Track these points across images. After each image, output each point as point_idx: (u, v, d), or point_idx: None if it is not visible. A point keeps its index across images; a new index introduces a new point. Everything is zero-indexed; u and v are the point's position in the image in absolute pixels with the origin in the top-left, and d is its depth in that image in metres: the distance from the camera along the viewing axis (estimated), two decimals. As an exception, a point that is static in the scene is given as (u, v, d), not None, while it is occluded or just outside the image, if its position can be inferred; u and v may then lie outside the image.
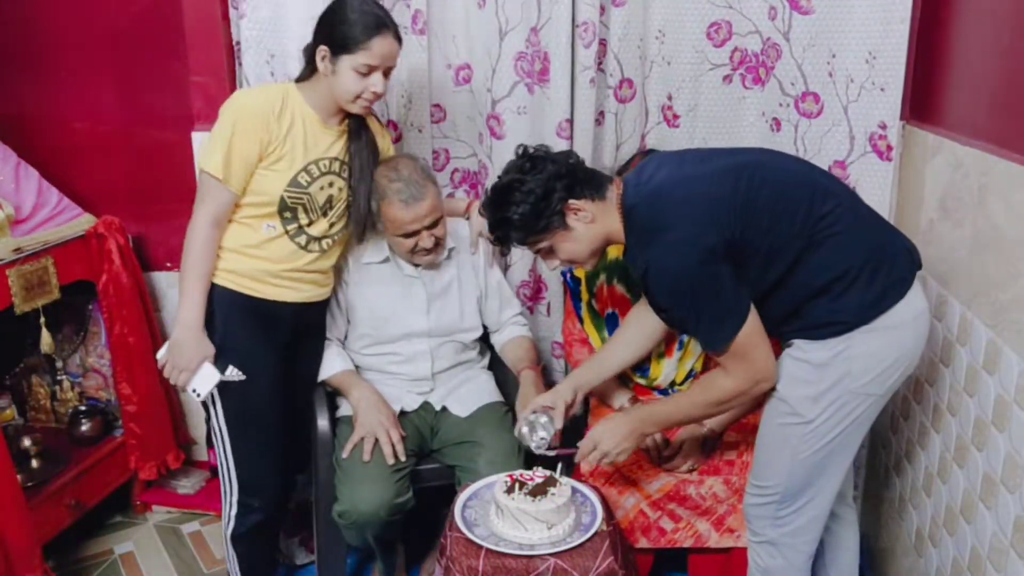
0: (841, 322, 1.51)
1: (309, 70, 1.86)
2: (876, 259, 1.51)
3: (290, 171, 1.82)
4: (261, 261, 1.86)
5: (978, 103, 1.72)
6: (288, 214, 1.85)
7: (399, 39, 1.82)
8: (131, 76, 2.49)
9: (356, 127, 1.91)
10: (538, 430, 1.79)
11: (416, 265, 2.08)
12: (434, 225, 1.99)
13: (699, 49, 2.21)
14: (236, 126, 1.77)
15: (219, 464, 1.96)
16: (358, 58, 1.76)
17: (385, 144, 2.04)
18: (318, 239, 1.91)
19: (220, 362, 1.85)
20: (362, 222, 1.93)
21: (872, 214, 1.61)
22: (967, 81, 1.78)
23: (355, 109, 1.84)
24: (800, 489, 1.63)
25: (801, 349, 1.56)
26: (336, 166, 1.89)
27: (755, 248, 1.50)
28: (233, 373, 1.86)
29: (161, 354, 1.86)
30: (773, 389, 1.59)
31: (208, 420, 1.95)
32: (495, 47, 2.23)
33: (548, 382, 2.57)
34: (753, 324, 1.50)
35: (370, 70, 1.77)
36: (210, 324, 1.85)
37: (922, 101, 2.04)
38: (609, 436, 1.68)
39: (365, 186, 1.91)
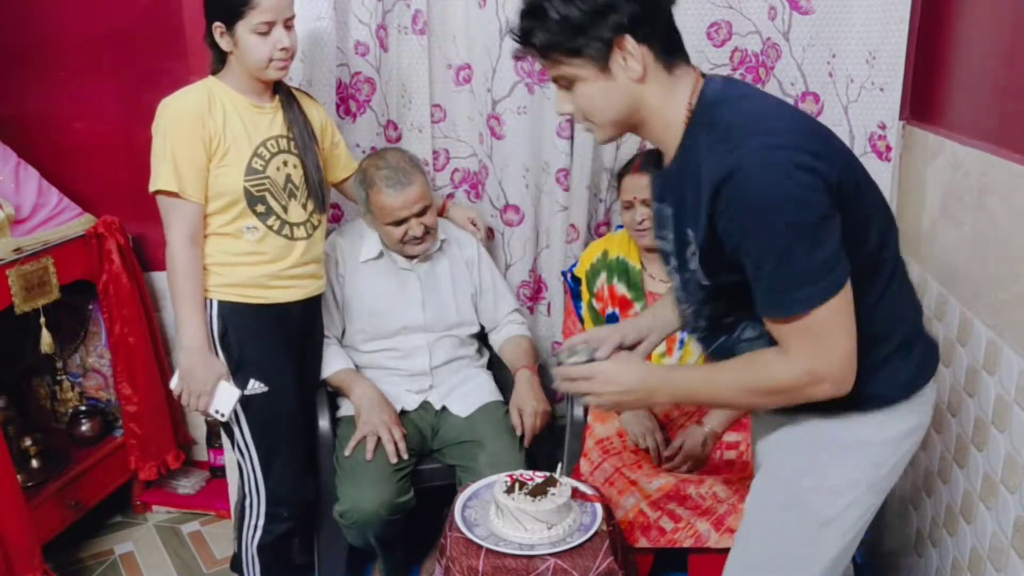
0: (881, 395, 1.24)
1: (219, 58, 1.82)
2: (920, 323, 1.30)
3: (242, 161, 1.79)
4: (259, 266, 1.84)
5: (978, 103, 1.72)
6: (260, 207, 1.82)
7: None
8: (131, 76, 2.49)
9: (285, 99, 1.88)
10: (577, 355, 1.39)
11: (409, 258, 2.09)
12: (423, 213, 2.01)
13: (699, 49, 2.21)
14: (174, 135, 1.74)
15: (245, 478, 1.92)
16: (252, 19, 1.71)
17: (319, 114, 1.99)
18: (301, 224, 1.88)
19: (240, 377, 1.83)
20: (318, 190, 1.91)
21: None
22: (967, 81, 1.78)
23: (273, 75, 1.80)
24: None
25: (821, 426, 1.25)
26: (284, 143, 1.86)
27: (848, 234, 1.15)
28: (256, 386, 1.84)
29: (174, 384, 1.83)
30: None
31: (232, 437, 1.91)
32: (495, 47, 2.23)
33: (547, 382, 2.58)
34: (845, 303, 1.14)
35: (269, 27, 1.73)
36: (224, 342, 1.83)
37: (922, 101, 2.04)
38: (613, 383, 1.30)
39: (312, 155, 1.89)
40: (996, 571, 1.47)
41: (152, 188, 1.76)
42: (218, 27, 1.75)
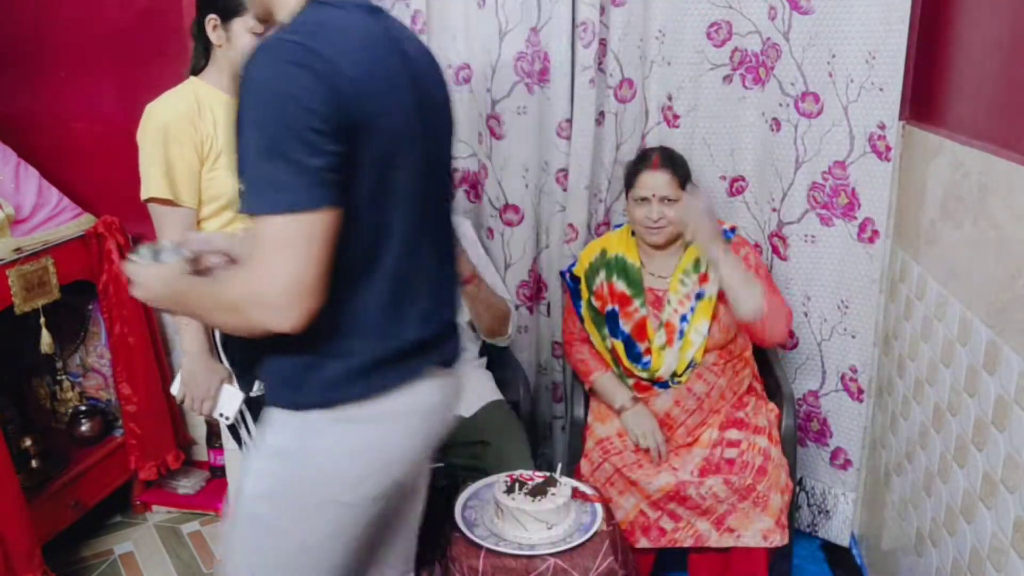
0: (347, 381, 1.17)
1: (202, 54, 1.80)
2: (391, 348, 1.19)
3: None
4: None
5: (978, 103, 1.72)
6: None
7: None
8: (131, 76, 2.49)
9: None
10: (143, 254, 1.32)
11: None
12: None
13: (699, 49, 2.21)
14: (164, 140, 1.72)
15: None
16: (250, 18, 1.69)
17: None
18: None
19: (245, 379, 1.83)
20: None
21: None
22: (967, 81, 1.78)
23: None
24: None
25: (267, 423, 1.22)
26: None
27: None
28: (261, 387, 1.84)
29: (176, 390, 1.83)
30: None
31: (239, 440, 1.90)
32: (495, 47, 2.24)
33: (548, 382, 2.58)
34: (317, 232, 1.04)
35: (264, 28, 1.73)
36: (228, 344, 1.82)
37: (922, 101, 2.03)
38: (145, 288, 1.28)
39: None
40: (996, 571, 1.47)
41: (144, 196, 1.75)
42: (212, 19, 1.74)
